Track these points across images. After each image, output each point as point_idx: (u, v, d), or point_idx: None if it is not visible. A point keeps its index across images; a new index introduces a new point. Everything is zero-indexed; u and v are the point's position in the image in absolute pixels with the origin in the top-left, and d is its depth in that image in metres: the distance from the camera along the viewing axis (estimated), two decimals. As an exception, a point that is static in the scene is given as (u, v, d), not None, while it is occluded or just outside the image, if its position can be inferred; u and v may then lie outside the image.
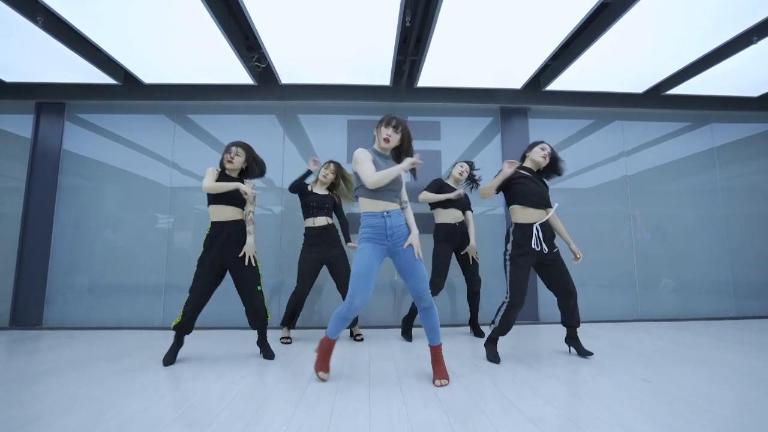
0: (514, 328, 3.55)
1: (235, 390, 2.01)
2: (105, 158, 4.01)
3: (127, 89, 3.89)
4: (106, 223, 3.95)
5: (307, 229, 3.21)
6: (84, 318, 3.75)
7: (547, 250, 2.50)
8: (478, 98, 4.08)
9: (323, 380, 2.14)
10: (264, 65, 3.63)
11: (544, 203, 2.58)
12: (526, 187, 2.55)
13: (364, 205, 2.14)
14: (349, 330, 3.32)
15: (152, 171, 4.01)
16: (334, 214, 3.29)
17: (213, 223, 2.57)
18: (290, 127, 4.10)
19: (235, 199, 2.57)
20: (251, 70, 3.59)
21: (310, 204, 3.19)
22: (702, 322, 3.90)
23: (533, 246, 2.48)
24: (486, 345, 2.59)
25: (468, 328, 3.56)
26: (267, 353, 2.63)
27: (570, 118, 4.33)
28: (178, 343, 2.57)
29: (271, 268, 3.83)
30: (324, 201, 3.21)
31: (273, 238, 3.90)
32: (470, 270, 3.28)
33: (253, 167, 2.69)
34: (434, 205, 3.29)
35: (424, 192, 3.23)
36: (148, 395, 1.94)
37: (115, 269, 3.87)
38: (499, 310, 2.56)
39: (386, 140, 2.14)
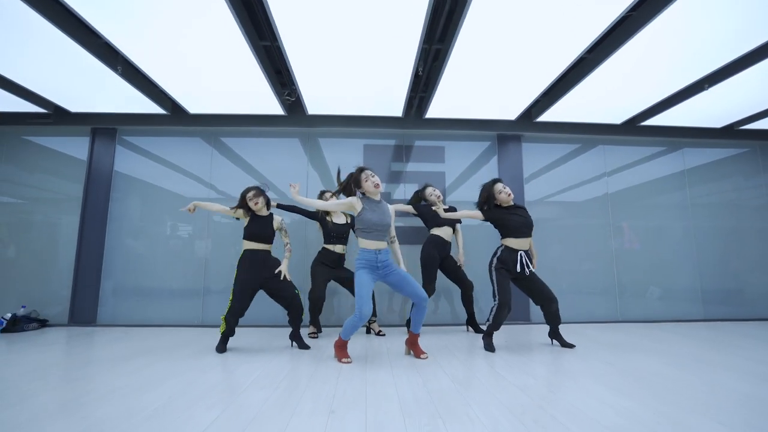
0: (508, 327, 4.11)
1: (287, 369, 2.55)
2: (151, 179, 4.59)
3: (173, 117, 4.47)
4: (150, 235, 4.51)
5: (326, 250, 3.74)
6: (132, 317, 4.29)
7: (528, 273, 3.10)
8: (478, 126, 4.67)
9: (350, 362, 2.69)
10: (293, 99, 4.21)
11: (529, 230, 3.15)
12: (512, 221, 3.11)
13: (363, 243, 2.75)
14: (366, 327, 3.86)
15: (191, 189, 4.58)
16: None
17: (247, 250, 3.14)
18: (312, 150, 4.68)
19: (268, 238, 3.19)
20: (282, 103, 4.18)
21: (331, 234, 3.72)
22: (673, 323, 4.45)
23: (515, 267, 3.07)
24: (483, 338, 3.13)
25: (465, 328, 4.06)
26: (302, 344, 3.16)
27: (558, 143, 4.92)
28: (224, 340, 3.10)
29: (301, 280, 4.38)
30: (343, 230, 3.75)
31: (300, 252, 4.45)
32: (459, 277, 3.82)
33: (268, 201, 3.30)
34: (431, 225, 3.83)
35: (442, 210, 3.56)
36: (220, 372, 2.48)
37: (158, 275, 4.41)
38: (491, 311, 3.10)
39: (377, 186, 2.77)
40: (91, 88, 3.85)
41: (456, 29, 2.80)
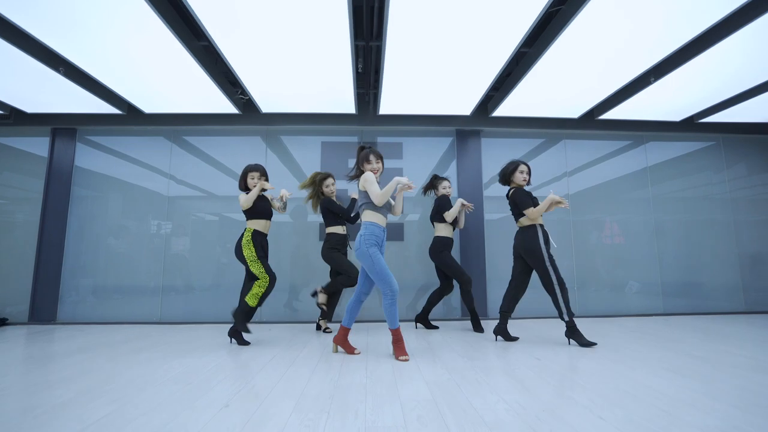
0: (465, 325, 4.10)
1: (210, 366, 2.59)
2: (112, 173, 4.65)
3: (130, 117, 4.51)
4: (111, 229, 4.56)
5: (334, 234, 3.73)
6: (92, 314, 4.35)
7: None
8: (436, 122, 4.68)
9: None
10: (247, 98, 4.23)
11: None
12: (535, 201, 3.22)
13: (374, 218, 2.72)
14: (317, 323, 3.90)
15: (152, 182, 4.63)
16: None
17: (256, 231, 3.23)
18: (271, 147, 4.71)
19: (267, 213, 3.31)
20: (235, 102, 4.20)
21: (339, 215, 3.75)
22: (632, 318, 4.46)
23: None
24: (569, 335, 3.10)
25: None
26: (241, 341, 3.17)
27: (521, 138, 4.92)
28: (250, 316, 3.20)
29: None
30: (346, 211, 3.82)
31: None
32: (447, 276, 3.80)
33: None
34: (440, 220, 3.77)
35: (447, 213, 3.70)
36: (148, 366, 2.53)
37: (119, 271, 4.47)
38: (558, 300, 3.03)
39: (375, 171, 2.76)
40: (45, 91, 3.90)
41: (384, 25, 2.81)
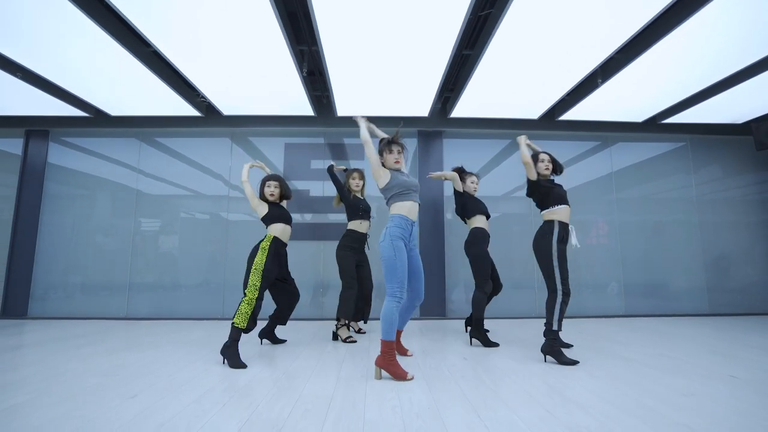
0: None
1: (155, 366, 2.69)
2: (86, 169, 4.83)
3: (100, 120, 4.66)
4: (82, 226, 4.72)
5: (353, 231, 3.39)
6: (61, 310, 4.52)
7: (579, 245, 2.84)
8: (398, 124, 4.71)
9: (412, 378, 2.27)
10: (207, 102, 4.33)
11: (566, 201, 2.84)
12: (556, 189, 2.85)
13: (401, 209, 2.37)
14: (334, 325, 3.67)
15: (123, 181, 4.80)
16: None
17: (276, 237, 2.89)
18: (237, 148, 4.82)
19: (285, 217, 2.98)
20: (198, 105, 4.31)
21: (359, 207, 3.41)
22: (591, 319, 4.45)
23: (571, 242, 2.79)
24: (549, 350, 2.62)
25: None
26: (276, 340, 3.16)
27: (485, 138, 4.93)
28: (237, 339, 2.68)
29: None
30: (367, 205, 3.51)
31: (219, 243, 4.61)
32: (494, 275, 3.39)
33: (285, 194, 3.13)
34: (472, 214, 3.33)
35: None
36: (86, 359, 2.65)
37: (87, 267, 4.62)
38: (554, 306, 2.62)
39: (397, 162, 2.49)
40: (6, 94, 4.03)
41: (315, 30, 2.87)
